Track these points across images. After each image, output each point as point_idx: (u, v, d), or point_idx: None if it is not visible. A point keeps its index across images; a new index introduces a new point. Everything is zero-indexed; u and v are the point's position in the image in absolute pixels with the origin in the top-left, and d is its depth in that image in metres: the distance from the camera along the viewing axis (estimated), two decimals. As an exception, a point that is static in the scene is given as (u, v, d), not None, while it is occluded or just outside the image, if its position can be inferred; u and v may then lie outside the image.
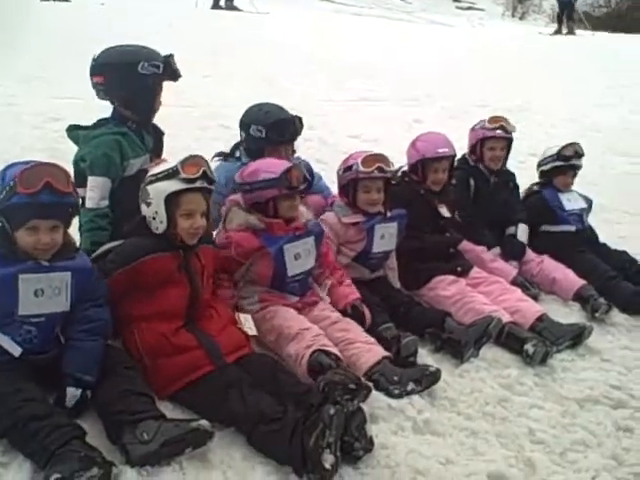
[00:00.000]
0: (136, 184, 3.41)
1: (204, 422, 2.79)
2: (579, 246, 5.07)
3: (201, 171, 3.19)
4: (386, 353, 3.51)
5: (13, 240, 2.87)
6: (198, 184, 3.20)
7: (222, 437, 2.91)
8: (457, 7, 27.76)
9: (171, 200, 3.19)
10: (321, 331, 3.45)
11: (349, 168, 4.10)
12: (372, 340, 3.59)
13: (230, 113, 7.12)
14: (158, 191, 3.20)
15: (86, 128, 3.76)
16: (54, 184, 2.80)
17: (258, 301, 3.63)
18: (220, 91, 8.38)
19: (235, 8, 17.55)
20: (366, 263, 4.18)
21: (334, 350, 3.35)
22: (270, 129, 4.17)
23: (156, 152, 3.84)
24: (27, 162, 2.89)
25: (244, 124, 4.30)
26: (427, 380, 3.42)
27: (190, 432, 2.74)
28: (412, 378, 3.38)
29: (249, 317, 3.45)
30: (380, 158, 4.06)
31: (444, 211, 4.58)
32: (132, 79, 3.69)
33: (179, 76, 3.83)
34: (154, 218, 3.24)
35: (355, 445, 2.89)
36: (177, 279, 3.25)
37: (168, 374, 3.08)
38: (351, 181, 4.10)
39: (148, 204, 3.24)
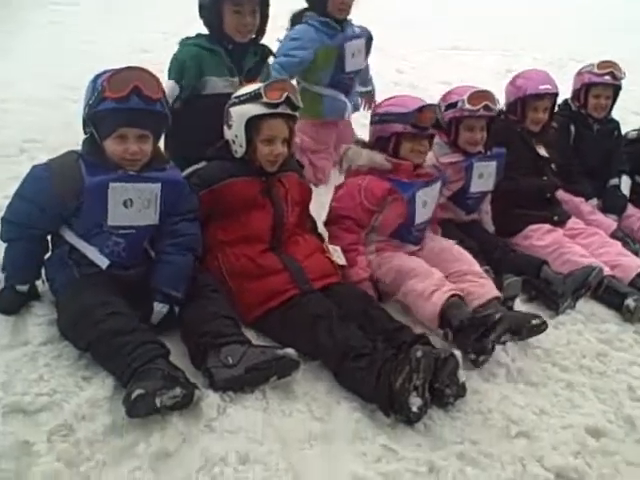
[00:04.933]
0: (213, 104, 3.32)
1: (291, 351, 2.66)
2: None
3: (284, 96, 3.05)
4: (496, 293, 3.29)
5: (102, 149, 2.77)
6: (280, 109, 3.07)
7: (307, 370, 2.80)
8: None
9: (252, 124, 3.07)
10: (443, 277, 3.27)
11: (453, 105, 3.82)
12: (483, 274, 3.39)
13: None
14: (239, 114, 3.09)
15: (190, 38, 3.68)
16: (143, 89, 2.67)
17: (375, 250, 3.44)
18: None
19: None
20: (462, 204, 3.95)
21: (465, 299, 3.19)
22: None
23: (254, 76, 3.65)
24: (118, 68, 2.75)
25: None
26: (529, 332, 3.16)
27: (276, 360, 2.63)
28: (511, 329, 3.11)
29: (339, 248, 3.29)
30: (488, 95, 3.77)
31: (542, 151, 4.31)
32: None
33: None
34: (234, 142, 3.14)
35: (446, 391, 2.72)
36: (260, 203, 3.13)
37: (253, 298, 2.97)
38: (454, 119, 3.82)
39: (230, 126, 3.15)
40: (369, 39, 4.63)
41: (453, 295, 3.14)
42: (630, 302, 3.67)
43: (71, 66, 5.53)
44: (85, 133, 2.85)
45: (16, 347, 2.65)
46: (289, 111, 3.10)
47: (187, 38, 3.69)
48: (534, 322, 3.15)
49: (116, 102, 2.66)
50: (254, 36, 3.69)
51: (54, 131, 4.43)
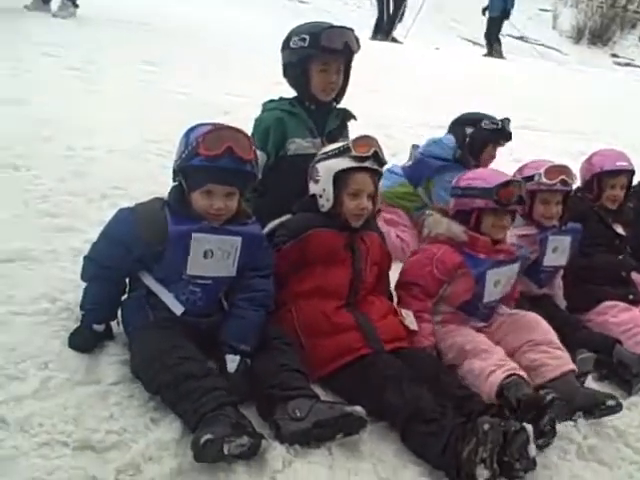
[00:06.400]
0: (296, 164, 3.40)
1: (359, 408, 2.60)
2: None
3: (372, 151, 3.10)
4: (571, 366, 3.20)
5: (188, 200, 2.82)
6: (368, 164, 3.12)
7: (373, 430, 2.74)
8: (615, 62, 26.64)
9: (339, 178, 3.11)
10: (505, 355, 3.19)
11: (529, 178, 3.81)
12: (559, 344, 3.30)
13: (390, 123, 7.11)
14: (327, 168, 3.13)
15: (272, 101, 3.73)
16: (235, 150, 2.71)
17: (441, 321, 3.39)
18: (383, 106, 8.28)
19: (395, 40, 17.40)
20: (535, 277, 3.88)
21: (527, 377, 3.07)
22: (505, 122, 4.58)
23: (335, 137, 3.67)
24: (212, 124, 2.82)
25: (468, 123, 4.65)
26: (602, 412, 3.07)
27: (344, 416, 2.56)
28: (584, 407, 3.06)
29: (410, 313, 3.24)
30: (564, 170, 3.78)
31: (620, 230, 4.25)
32: (285, 54, 3.64)
33: (328, 49, 3.50)
34: (321, 196, 3.16)
35: (515, 466, 2.61)
36: (341, 258, 3.13)
37: (324, 354, 2.93)
38: (529, 192, 3.77)
39: (316, 181, 3.18)
40: None
41: (512, 374, 3.03)
42: None
43: (155, 121, 5.69)
44: (174, 181, 2.90)
45: (88, 384, 2.64)
46: (376, 166, 3.14)
47: (269, 102, 3.76)
48: (609, 403, 3.05)
49: (208, 160, 2.71)
50: (335, 96, 3.72)
51: (136, 181, 4.51)
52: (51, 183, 4.11)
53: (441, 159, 4.60)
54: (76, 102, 5.80)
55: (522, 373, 3.06)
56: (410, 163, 4.77)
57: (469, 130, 4.62)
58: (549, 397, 2.92)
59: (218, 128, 2.78)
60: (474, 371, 3.11)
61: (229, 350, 2.77)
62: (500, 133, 4.61)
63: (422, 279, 3.35)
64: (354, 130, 3.79)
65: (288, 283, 3.11)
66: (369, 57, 5.60)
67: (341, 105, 3.80)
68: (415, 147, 4.84)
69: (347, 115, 3.81)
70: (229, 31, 11.30)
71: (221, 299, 2.92)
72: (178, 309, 2.79)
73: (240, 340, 2.79)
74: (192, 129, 2.82)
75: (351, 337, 2.95)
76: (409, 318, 3.20)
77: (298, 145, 3.59)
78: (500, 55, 18.36)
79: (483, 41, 19.37)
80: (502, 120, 4.60)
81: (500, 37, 19.05)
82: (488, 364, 3.10)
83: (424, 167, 4.64)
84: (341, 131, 3.76)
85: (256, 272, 2.94)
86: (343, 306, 3.07)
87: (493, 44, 18.64)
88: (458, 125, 4.72)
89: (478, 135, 4.58)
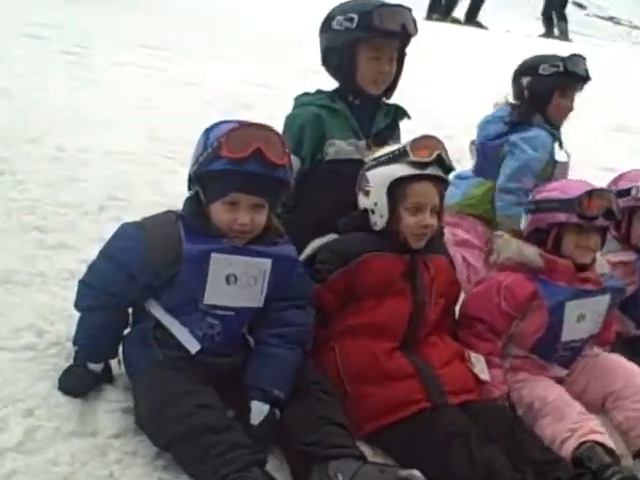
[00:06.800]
0: (335, 171, 3.42)
1: (416, 472, 2.60)
2: None
3: (435, 155, 3.10)
4: None
5: (207, 214, 2.84)
6: (430, 171, 3.11)
7: (433, 499, 2.74)
8: None
9: (396, 189, 3.11)
10: (584, 409, 3.20)
11: (625, 193, 3.84)
12: None
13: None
14: (380, 177, 3.14)
15: (307, 95, 3.72)
16: (266, 152, 2.72)
17: (510, 368, 3.39)
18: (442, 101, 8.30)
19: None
20: (634, 315, 3.88)
21: (608, 442, 3.06)
22: (569, 61, 4.54)
23: (385, 139, 3.64)
24: (237, 121, 2.85)
25: (525, 72, 4.64)
26: None
27: (397, 482, 2.58)
28: None
29: (481, 358, 3.24)
30: None
31: None
32: (326, 38, 3.62)
33: (381, 32, 3.48)
34: (373, 211, 3.17)
35: None
36: (399, 288, 3.13)
37: (373, 406, 2.94)
38: (626, 209, 3.80)
39: (367, 193, 3.18)
40: None
41: (585, 441, 3.03)
42: None
43: (162, 116, 5.76)
44: (189, 190, 2.92)
45: (83, 436, 2.67)
46: (440, 173, 3.14)
47: (302, 95, 3.75)
48: None
49: (232, 163, 2.72)
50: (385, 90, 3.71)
51: (140, 189, 4.57)
52: (38, 190, 4.18)
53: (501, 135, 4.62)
54: (67, 93, 5.92)
55: (598, 438, 3.05)
56: (475, 159, 4.77)
57: (526, 80, 4.60)
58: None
59: (244, 125, 2.81)
60: (546, 437, 3.11)
61: (259, 396, 2.78)
62: (565, 77, 4.55)
63: (488, 314, 3.36)
64: (405, 131, 3.81)
65: (333, 320, 3.12)
66: (424, 41, 5.61)
67: (391, 100, 3.79)
68: (473, 142, 4.84)
69: (399, 113, 3.79)
70: (233, 6, 11.35)
71: (245, 335, 2.94)
72: (193, 346, 2.81)
73: (273, 384, 2.80)
74: (212, 127, 2.85)
75: (408, 387, 2.96)
76: (480, 365, 3.19)
77: (339, 148, 3.57)
78: (565, 36, 17.69)
79: (554, 20, 19.07)
80: (566, 59, 4.57)
81: (566, 13, 18.75)
82: (561, 429, 3.10)
83: (489, 152, 4.64)
84: (392, 132, 3.75)
85: (290, 302, 2.95)
86: (398, 348, 3.07)
87: (559, 21, 18.28)
88: (515, 78, 4.69)
89: (536, 84, 4.55)
